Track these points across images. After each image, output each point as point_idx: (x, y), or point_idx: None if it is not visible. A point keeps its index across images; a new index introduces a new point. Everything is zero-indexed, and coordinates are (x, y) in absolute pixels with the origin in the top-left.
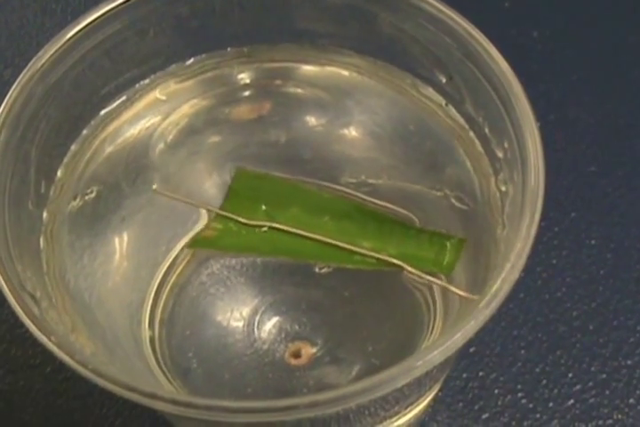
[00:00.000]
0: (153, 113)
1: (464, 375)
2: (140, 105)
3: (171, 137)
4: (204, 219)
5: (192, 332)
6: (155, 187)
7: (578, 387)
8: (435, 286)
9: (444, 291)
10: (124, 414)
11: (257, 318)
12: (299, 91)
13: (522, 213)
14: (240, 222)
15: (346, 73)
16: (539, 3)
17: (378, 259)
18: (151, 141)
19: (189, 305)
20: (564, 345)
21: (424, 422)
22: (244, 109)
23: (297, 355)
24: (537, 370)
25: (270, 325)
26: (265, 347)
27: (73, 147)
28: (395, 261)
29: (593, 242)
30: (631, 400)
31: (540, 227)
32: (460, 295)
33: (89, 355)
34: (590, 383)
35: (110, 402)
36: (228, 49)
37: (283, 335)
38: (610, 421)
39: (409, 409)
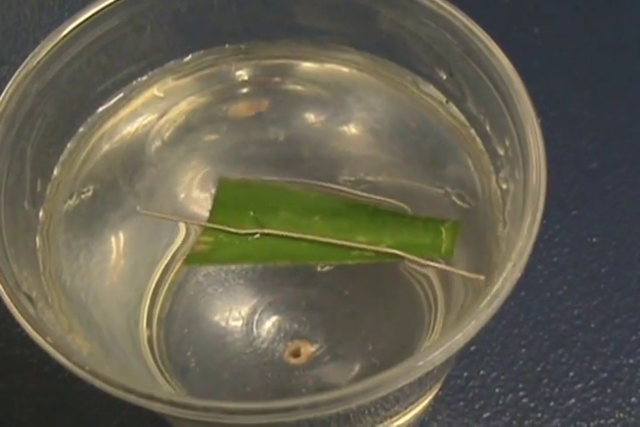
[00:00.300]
0: (150, 110)
1: (465, 374)
2: (137, 102)
3: (168, 134)
4: None
5: (190, 331)
6: (138, 208)
7: (579, 386)
8: (436, 284)
9: (446, 289)
10: (122, 414)
11: (256, 317)
12: (297, 88)
13: (523, 211)
14: (231, 232)
15: (345, 70)
16: None
17: (376, 251)
18: (148, 139)
19: (187, 304)
20: (565, 344)
21: (424, 421)
22: (242, 107)
23: (296, 354)
24: (538, 369)
25: (269, 324)
26: (264, 346)
27: (69, 145)
28: (393, 251)
29: (594, 240)
30: (633, 399)
31: (540, 225)
32: (465, 276)
33: (86, 356)
34: (592, 382)
35: (108, 402)
36: (226, 45)
37: (282, 334)
38: (611, 420)
39: (409, 409)
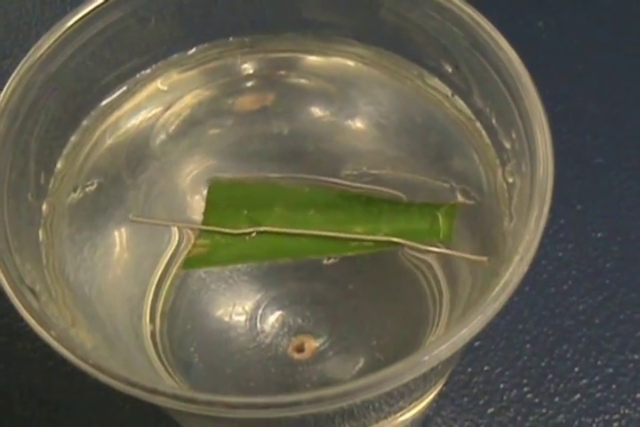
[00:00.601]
0: (154, 104)
1: (469, 370)
2: (141, 95)
3: (173, 128)
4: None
5: (193, 326)
6: (130, 216)
7: (584, 381)
8: (441, 279)
9: (452, 284)
10: (125, 408)
11: (259, 312)
12: (303, 81)
13: (530, 204)
14: (226, 233)
15: (351, 63)
16: None
17: (375, 241)
18: (153, 132)
19: (191, 298)
20: (569, 339)
21: (428, 417)
22: (247, 100)
23: (300, 349)
24: (542, 364)
25: (273, 318)
26: (268, 341)
27: (73, 138)
28: (392, 238)
29: (599, 235)
30: (638, 395)
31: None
32: (467, 259)
33: (89, 349)
34: (597, 378)
35: (111, 397)
36: (231, 38)
37: (286, 329)
38: (616, 415)
39: (414, 404)
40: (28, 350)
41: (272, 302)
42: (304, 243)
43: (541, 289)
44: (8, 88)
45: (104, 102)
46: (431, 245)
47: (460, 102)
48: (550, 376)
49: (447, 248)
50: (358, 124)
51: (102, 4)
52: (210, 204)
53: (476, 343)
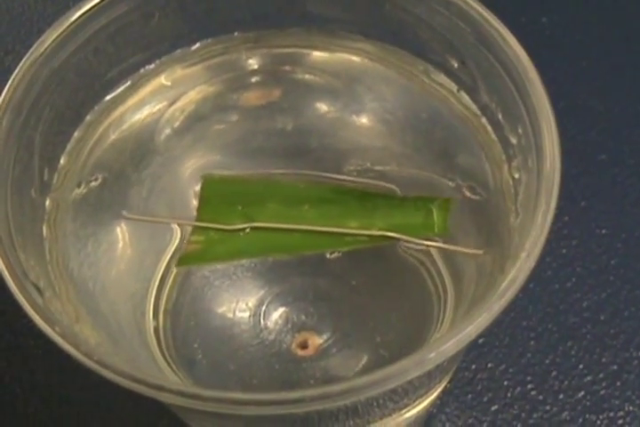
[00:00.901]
0: (158, 99)
1: (473, 367)
2: (145, 91)
3: (177, 123)
4: None
5: (197, 322)
6: (124, 212)
7: (588, 378)
8: (446, 276)
9: (456, 281)
10: (128, 405)
11: (263, 309)
12: (308, 77)
13: (537, 200)
14: (221, 229)
15: (356, 59)
16: None
17: (369, 235)
18: (157, 127)
19: (194, 295)
20: (574, 336)
21: (432, 414)
22: (252, 96)
23: (304, 346)
24: (547, 361)
25: (277, 315)
26: (271, 337)
27: (76, 133)
28: (387, 233)
29: (603, 231)
30: None
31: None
32: (463, 252)
33: (94, 345)
34: (601, 375)
35: (114, 394)
36: (235, 34)
37: (289, 326)
38: (621, 413)
39: (418, 402)
40: (31, 346)
41: (275, 298)
42: (298, 238)
43: (545, 286)
44: (11, 84)
45: (108, 98)
46: (426, 240)
47: (466, 98)
48: (554, 373)
49: (443, 242)
50: (363, 119)
51: None
52: (203, 200)
53: (480, 340)
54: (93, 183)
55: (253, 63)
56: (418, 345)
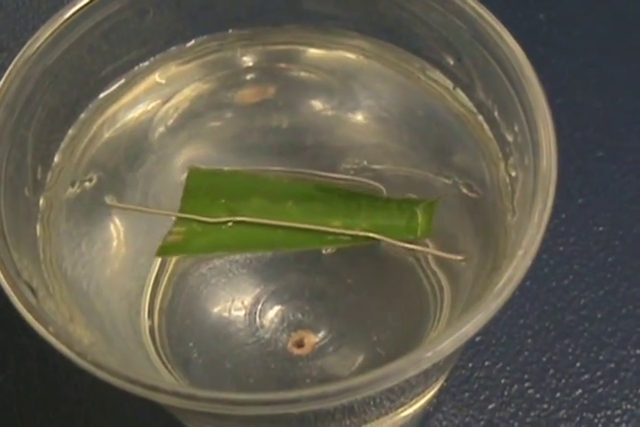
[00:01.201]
0: (152, 97)
1: (470, 365)
2: (139, 88)
3: (171, 121)
4: None
5: (192, 321)
6: (107, 199)
7: (586, 377)
8: (442, 274)
9: (453, 277)
10: (124, 405)
11: (259, 307)
12: (303, 74)
13: (534, 198)
14: (203, 222)
15: (352, 56)
16: None
17: (352, 235)
18: (151, 125)
19: (189, 293)
20: (571, 334)
21: (429, 412)
22: (247, 93)
23: (300, 344)
24: (544, 359)
25: (273, 313)
26: (267, 336)
27: (70, 131)
28: (369, 234)
29: (601, 229)
30: None
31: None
32: (444, 257)
33: (88, 345)
34: (598, 373)
35: (109, 393)
36: (230, 31)
37: (285, 324)
38: (618, 411)
39: (414, 400)
40: (25, 345)
41: (271, 296)
42: (280, 234)
43: (543, 284)
44: (5, 81)
45: (102, 95)
46: (409, 242)
47: (462, 95)
48: (552, 371)
49: (431, 242)
50: (359, 117)
51: None
52: (188, 191)
53: (477, 338)
54: (87, 182)
55: (248, 60)
56: (414, 344)
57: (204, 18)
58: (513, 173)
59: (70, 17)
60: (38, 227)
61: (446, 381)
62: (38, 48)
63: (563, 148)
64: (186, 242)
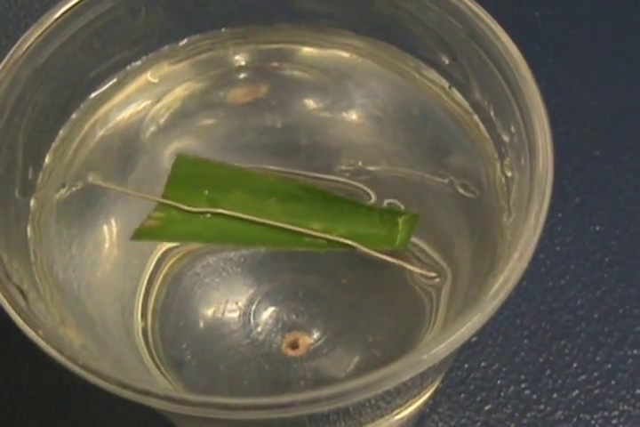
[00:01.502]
0: (145, 96)
1: (465, 366)
2: (131, 88)
3: (163, 120)
4: None
5: (186, 322)
6: (90, 178)
7: (583, 377)
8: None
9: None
10: (117, 408)
11: (253, 308)
12: (297, 73)
13: (530, 199)
14: (183, 210)
15: (345, 55)
16: None
17: (328, 240)
18: (142, 125)
19: (183, 295)
20: (568, 334)
21: (425, 414)
22: (239, 92)
23: (294, 346)
24: (540, 360)
25: (267, 314)
26: (261, 338)
27: (62, 132)
28: (346, 241)
29: (597, 228)
30: (637, 391)
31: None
32: (418, 273)
33: (79, 349)
34: (595, 374)
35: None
36: (223, 29)
37: (279, 326)
38: (615, 412)
39: (410, 402)
40: (16, 349)
41: (265, 297)
42: (257, 231)
43: (539, 283)
44: None
45: (93, 95)
46: (385, 253)
47: (458, 95)
48: (548, 372)
49: (401, 258)
50: (353, 116)
51: None
52: (172, 178)
53: (473, 339)
54: (78, 184)
55: (241, 59)
56: (410, 345)
57: (196, 16)
58: (509, 174)
59: (62, 15)
60: (29, 228)
61: (442, 382)
62: (29, 47)
63: (559, 147)
64: (162, 228)
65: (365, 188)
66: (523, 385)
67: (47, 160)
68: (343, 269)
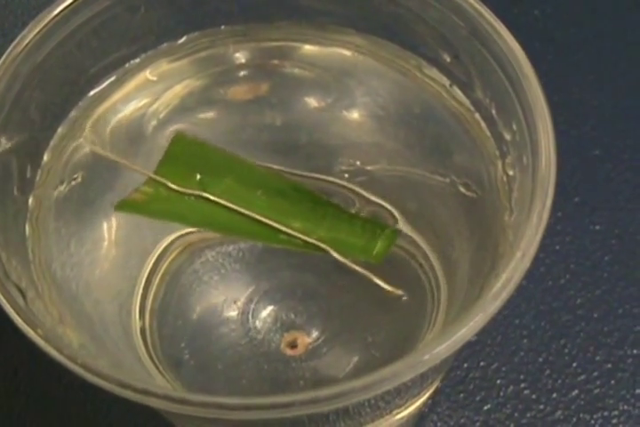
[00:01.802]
0: (144, 94)
1: (465, 365)
2: (130, 86)
3: (162, 116)
4: None
5: (184, 322)
6: (90, 147)
7: (582, 377)
8: (439, 275)
9: (450, 280)
10: (115, 406)
11: (252, 307)
12: (297, 71)
13: (532, 198)
14: (171, 189)
15: (347, 53)
16: None
17: (304, 241)
18: (142, 123)
19: (181, 294)
20: (567, 334)
21: (424, 413)
22: (239, 90)
23: (293, 345)
24: (540, 360)
25: (265, 313)
26: (260, 337)
27: (60, 130)
28: (321, 245)
29: (597, 227)
30: (637, 391)
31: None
32: (384, 289)
33: (77, 348)
34: (595, 373)
35: (101, 394)
36: (223, 27)
37: (278, 325)
38: (615, 412)
39: (410, 402)
40: (13, 347)
41: (264, 295)
42: (238, 221)
43: (539, 283)
44: None
45: (92, 93)
46: (356, 263)
47: (459, 93)
48: (548, 372)
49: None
50: (355, 115)
51: None
52: (167, 155)
53: (473, 338)
54: (76, 181)
55: (241, 57)
56: (410, 345)
57: (195, 14)
58: (511, 172)
59: (60, 13)
60: (27, 226)
61: (441, 382)
62: (27, 44)
63: (559, 145)
64: (146, 203)
65: (361, 190)
66: (522, 385)
67: (45, 158)
68: (342, 268)
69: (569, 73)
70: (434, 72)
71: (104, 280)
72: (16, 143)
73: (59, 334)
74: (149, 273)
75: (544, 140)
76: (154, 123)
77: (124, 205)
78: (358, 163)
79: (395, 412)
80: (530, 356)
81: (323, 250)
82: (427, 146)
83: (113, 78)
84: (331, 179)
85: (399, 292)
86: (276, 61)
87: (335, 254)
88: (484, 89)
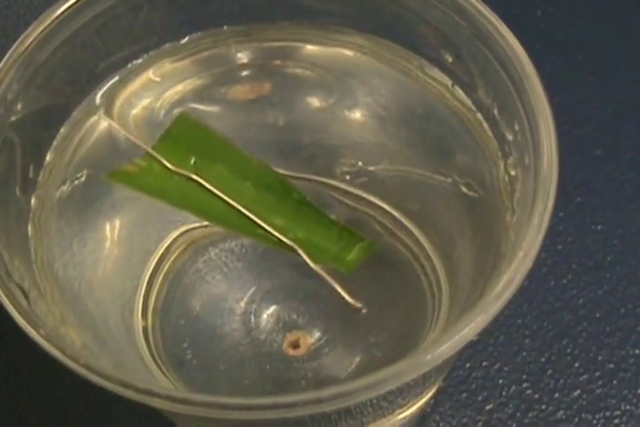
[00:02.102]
0: (147, 94)
1: (467, 365)
2: (133, 86)
3: (163, 117)
4: None
5: (187, 321)
6: (101, 117)
7: (584, 377)
8: (441, 275)
9: (452, 280)
10: (116, 406)
11: (254, 307)
12: (299, 71)
13: (534, 199)
14: (164, 166)
15: (349, 53)
16: None
17: (279, 239)
18: (143, 121)
19: (184, 293)
20: (569, 334)
21: (426, 413)
22: (241, 90)
23: (295, 345)
24: (542, 360)
25: (268, 313)
26: (262, 337)
27: (63, 130)
28: (295, 246)
29: (599, 227)
30: (639, 391)
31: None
32: (347, 301)
33: (80, 348)
34: (597, 373)
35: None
36: (225, 27)
37: (280, 325)
38: (617, 412)
39: (412, 402)
40: (15, 347)
41: (266, 295)
42: (220, 209)
43: (541, 283)
44: None
45: (95, 93)
46: (325, 269)
47: (461, 93)
48: (550, 372)
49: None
50: (356, 114)
51: None
52: (167, 133)
53: (475, 338)
54: (79, 180)
55: (243, 57)
56: (412, 345)
57: (198, 14)
58: (512, 173)
59: (63, 13)
60: (30, 227)
61: (444, 381)
62: (30, 44)
63: (561, 145)
64: (137, 176)
65: (360, 192)
66: (524, 385)
67: (48, 158)
68: None
69: (571, 73)
70: (436, 72)
71: (106, 280)
72: (19, 143)
73: (61, 335)
74: (152, 272)
75: (546, 141)
76: (154, 124)
77: (114, 175)
78: (360, 163)
79: (397, 412)
80: (532, 356)
81: (295, 251)
82: (429, 146)
83: (116, 78)
84: (333, 182)
85: (358, 305)
86: (278, 61)
87: (305, 257)
88: (486, 89)
